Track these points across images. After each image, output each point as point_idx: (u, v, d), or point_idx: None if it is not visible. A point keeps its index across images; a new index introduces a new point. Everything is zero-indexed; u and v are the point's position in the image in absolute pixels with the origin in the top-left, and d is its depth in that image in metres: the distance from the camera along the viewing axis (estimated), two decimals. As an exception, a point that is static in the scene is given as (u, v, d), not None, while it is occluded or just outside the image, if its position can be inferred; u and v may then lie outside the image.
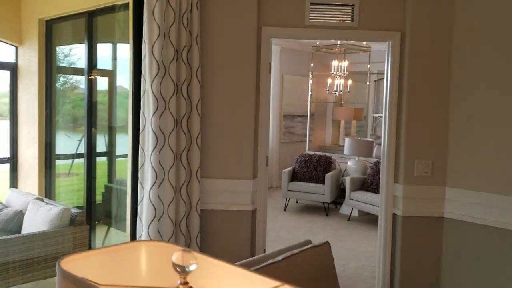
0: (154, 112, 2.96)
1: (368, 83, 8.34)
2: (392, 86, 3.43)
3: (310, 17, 3.34)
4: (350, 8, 3.34)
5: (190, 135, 3.18)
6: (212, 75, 3.29)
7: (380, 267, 3.55)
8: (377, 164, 6.36)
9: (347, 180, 6.35)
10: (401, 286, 3.45)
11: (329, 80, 6.97)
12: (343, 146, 9.77)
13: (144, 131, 3.04)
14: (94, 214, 4.87)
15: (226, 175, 3.35)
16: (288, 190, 6.77)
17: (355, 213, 6.51)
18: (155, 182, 3.01)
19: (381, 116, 9.61)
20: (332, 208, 6.98)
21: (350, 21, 3.34)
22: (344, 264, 4.57)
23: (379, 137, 8.71)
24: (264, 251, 3.43)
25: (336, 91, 6.89)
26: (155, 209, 3.02)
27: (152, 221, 3.02)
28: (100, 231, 5.03)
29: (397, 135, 3.46)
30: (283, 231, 5.82)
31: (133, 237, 3.19)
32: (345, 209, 6.83)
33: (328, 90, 7.07)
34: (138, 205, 3.11)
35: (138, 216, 3.11)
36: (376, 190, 6.14)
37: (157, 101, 2.96)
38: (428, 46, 3.33)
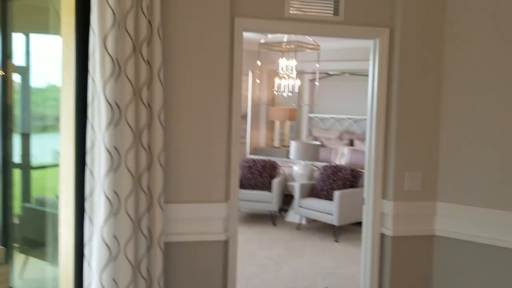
0: (109, 124, 2.26)
1: (317, 82, 8.05)
2: (380, 89, 3.03)
3: (291, 9, 2.82)
4: (333, 1, 2.88)
5: (150, 151, 2.52)
6: (176, 76, 2.65)
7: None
8: (326, 169, 6.05)
9: (296, 187, 5.95)
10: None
11: (277, 80, 6.52)
12: (279, 148, 9.44)
13: (94, 149, 2.33)
14: (11, 242, 3.94)
15: (194, 199, 2.73)
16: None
17: (302, 221, 6.14)
18: (109, 215, 2.31)
19: (317, 117, 9.52)
20: (278, 216, 6.56)
21: (334, 15, 2.88)
22: (310, 285, 4.15)
23: (316, 138, 8.47)
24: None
25: (284, 91, 6.46)
26: (109, 249, 2.33)
27: (106, 265, 2.32)
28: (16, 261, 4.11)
29: (386, 145, 3.08)
30: (233, 247, 5.27)
31: (80, 286, 2.46)
32: (291, 217, 6.44)
33: (276, 90, 6.63)
34: (85, 246, 2.39)
35: (85, 260, 2.39)
36: (327, 196, 5.82)
37: (112, 109, 2.27)
38: (421, 45, 2.98)
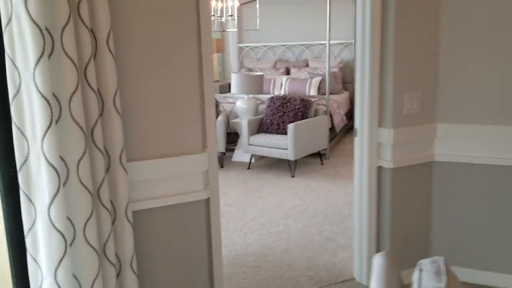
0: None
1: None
2: (374, 7, 2.50)
3: None
4: None
5: (101, 94, 1.80)
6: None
7: (363, 231, 2.78)
8: (273, 101, 5.54)
9: (244, 124, 5.40)
10: (393, 247, 2.76)
11: (213, 3, 5.68)
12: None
13: (28, 161, 1.58)
14: None
15: (164, 152, 2.08)
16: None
17: (252, 159, 5.67)
18: (57, 190, 1.61)
19: (248, 47, 8.80)
20: (223, 157, 6.02)
21: None
22: (284, 229, 3.74)
23: (250, 70, 7.87)
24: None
25: (220, 16, 5.66)
26: (62, 236, 1.65)
27: (61, 259, 1.65)
28: None
29: (382, 68, 2.60)
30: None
31: (25, 291, 1.77)
32: (239, 156, 5.94)
33: (212, 15, 5.80)
34: (25, 237, 1.68)
35: (28, 255, 1.69)
36: (278, 131, 5.36)
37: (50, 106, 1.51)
38: None
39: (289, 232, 3.66)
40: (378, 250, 2.81)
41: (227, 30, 7.56)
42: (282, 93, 7.19)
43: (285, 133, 5.29)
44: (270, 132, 5.43)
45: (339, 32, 7.33)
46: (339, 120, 6.25)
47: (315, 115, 5.53)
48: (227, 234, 3.63)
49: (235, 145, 6.12)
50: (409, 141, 2.68)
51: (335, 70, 7.34)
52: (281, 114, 5.38)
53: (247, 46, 8.36)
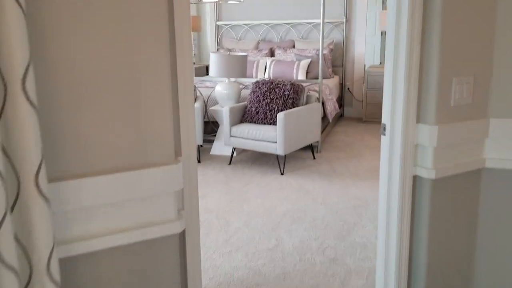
0: None
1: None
2: None
3: None
4: None
5: (2, 77, 1.03)
6: None
7: (390, 261, 2.10)
8: (259, 86, 4.79)
9: (225, 112, 4.64)
10: (429, 275, 2.09)
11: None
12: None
13: None
14: None
15: (113, 164, 1.33)
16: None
17: (234, 153, 4.94)
18: None
19: (228, 25, 7.94)
20: (201, 150, 5.27)
21: None
22: (277, 244, 3.03)
23: (230, 51, 7.08)
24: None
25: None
26: None
27: None
28: None
29: (423, 45, 1.89)
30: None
31: None
32: (218, 149, 5.19)
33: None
34: None
35: None
36: (265, 120, 4.63)
37: None
38: None
39: (284, 249, 2.96)
40: (409, 285, 2.14)
41: (203, 1, 6.72)
42: (267, 77, 6.45)
43: (273, 123, 4.56)
44: (255, 122, 4.70)
45: (329, 10, 6.60)
46: (332, 108, 5.56)
47: (306, 103, 4.82)
48: (207, 252, 2.91)
49: (214, 135, 5.37)
50: (456, 142, 2.00)
51: (325, 52, 6.62)
52: (268, 101, 4.64)
53: (226, 25, 7.55)
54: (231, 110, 4.65)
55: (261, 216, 3.49)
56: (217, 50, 7.32)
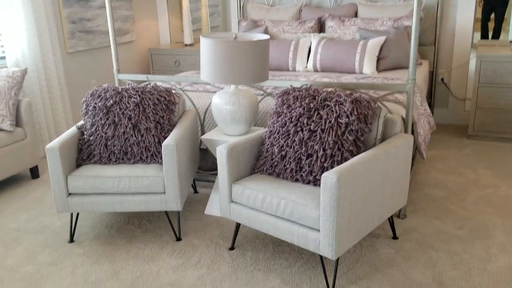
0: None
1: None
2: None
3: None
4: None
5: None
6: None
7: None
8: (289, 102, 2.44)
9: (221, 155, 2.36)
10: None
11: None
12: (192, 46, 5.61)
13: None
14: None
15: None
16: (70, 194, 2.60)
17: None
18: None
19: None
20: (187, 205, 3.05)
21: None
22: None
23: (256, 24, 4.72)
24: None
25: None
26: None
27: None
28: None
29: None
30: None
31: None
32: (216, 207, 2.95)
33: None
34: None
35: None
36: (297, 175, 2.32)
37: None
38: None
39: None
40: None
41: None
42: (311, 67, 4.05)
43: (315, 182, 2.24)
44: (280, 175, 2.38)
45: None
46: (426, 130, 3.10)
47: (383, 134, 2.43)
48: None
49: (216, 174, 3.14)
50: None
51: (408, 23, 4.10)
52: (306, 135, 2.30)
53: (253, -16, 5.13)
54: (231, 153, 2.36)
55: None
56: (239, 22, 4.94)
